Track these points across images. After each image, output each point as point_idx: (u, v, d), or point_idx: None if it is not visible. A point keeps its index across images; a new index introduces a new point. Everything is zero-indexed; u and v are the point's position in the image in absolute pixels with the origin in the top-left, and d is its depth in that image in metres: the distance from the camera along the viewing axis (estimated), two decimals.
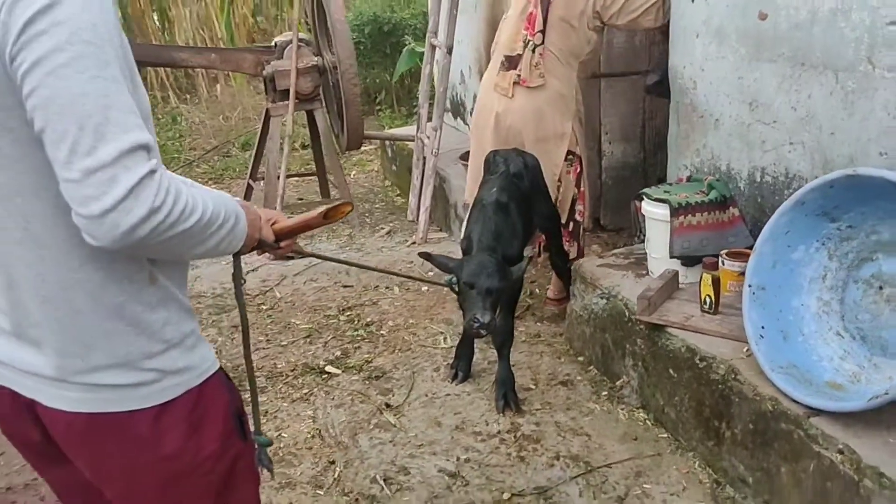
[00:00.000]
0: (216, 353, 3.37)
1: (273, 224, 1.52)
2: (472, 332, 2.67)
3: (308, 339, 3.57)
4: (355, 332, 3.60)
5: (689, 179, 3.06)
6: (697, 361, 2.49)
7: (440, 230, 4.81)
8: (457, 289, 2.73)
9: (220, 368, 1.38)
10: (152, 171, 1.06)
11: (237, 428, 1.39)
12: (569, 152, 3.45)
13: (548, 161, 3.36)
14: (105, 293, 1.20)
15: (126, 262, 1.19)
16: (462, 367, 3.12)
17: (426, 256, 2.85)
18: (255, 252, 1.53)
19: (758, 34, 2.62)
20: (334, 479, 2.58)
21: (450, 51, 4.46)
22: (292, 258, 3.68)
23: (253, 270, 4.24)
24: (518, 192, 3.08)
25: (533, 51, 3.32)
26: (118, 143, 1.04)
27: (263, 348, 3.52)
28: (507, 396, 2.90)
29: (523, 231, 3.10)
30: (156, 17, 8.83)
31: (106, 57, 1.05)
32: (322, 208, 1.61)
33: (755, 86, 2.67)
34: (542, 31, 3.30)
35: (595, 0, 3.21)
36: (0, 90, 1.06)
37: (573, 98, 3.42)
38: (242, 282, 1.52)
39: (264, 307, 3.94)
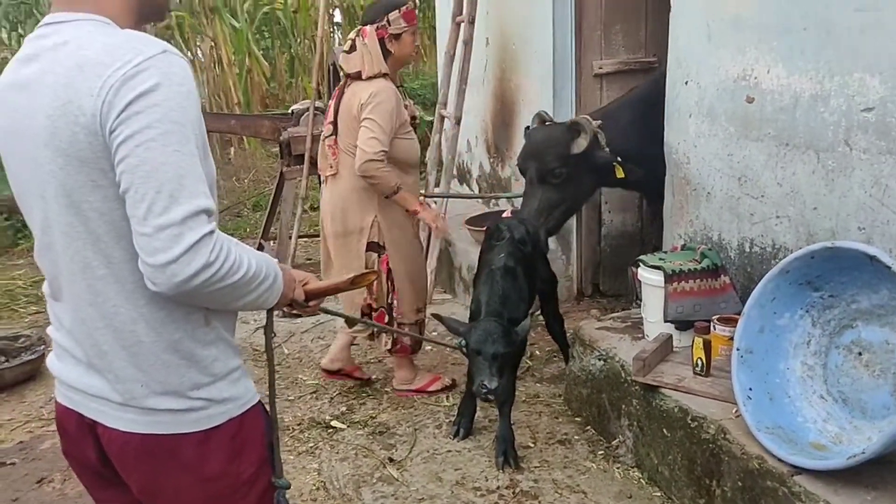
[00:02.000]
0: None
1: (305, 285, 1.69)
2: (480, 397, 2.80)
3: (314, 395, 3.68)
4: (361, 389, 3.71)
5: (683, 248, 3.21)
6: (689, 421, 2.60)
7: (444, 292, 4.96)
8: (466, 352, 2.87)
9: (259, 401, 1.53)
10: (211, 232, 1.25)
11: (270, 459, 1.55)
12: (376, 244, 3.34)
13: (347, 255, 3.30)
14: (165, 329, 1.37)
15: (184, 305, 1.36)
16: (464, 425, 3.23)
17: (438, 318, 3.00)
18: (285, 308, 1.69)
19: (745, 115, 2.82)
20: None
21: (458, 121, 4.69)
22: (299, 315, 3.85)
23: (262, 327, 4.36)
24: (523, 257, 3.24)
25: (323, 141, 3.40)
26: (187, 206, 1.23)
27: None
28: (507, 453, 3.00)
29: (529, 294, 3.25)
30: None
31: (187, 134, 1.26)
32: (351, 275, 1.81)
33: (744, 162, 2.86)
34: (333, 123, 3.33)
35: (362, 105, 3.16)
36: (98, 155, 1.25)
37: (373, 192, 3.25)
38: (273, 335, 1.67)
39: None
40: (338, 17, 11.15)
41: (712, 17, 2.92)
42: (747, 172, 2.85)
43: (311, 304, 1.72)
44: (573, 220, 4.44)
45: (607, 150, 3.36)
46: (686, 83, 3.11)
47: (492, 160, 5.30)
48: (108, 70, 1.22)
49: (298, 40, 9.69)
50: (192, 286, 1.25)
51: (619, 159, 3.37)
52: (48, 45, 1.31)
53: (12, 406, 3.83)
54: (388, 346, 3.53)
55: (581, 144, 3.31)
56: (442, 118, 5.04)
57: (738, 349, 2.50)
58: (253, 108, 8.77)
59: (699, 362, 2.77)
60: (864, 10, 2.30)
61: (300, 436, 3.31)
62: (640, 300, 3.19)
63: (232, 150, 8.77)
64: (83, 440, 1.48)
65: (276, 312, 1.65)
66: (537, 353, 4.02)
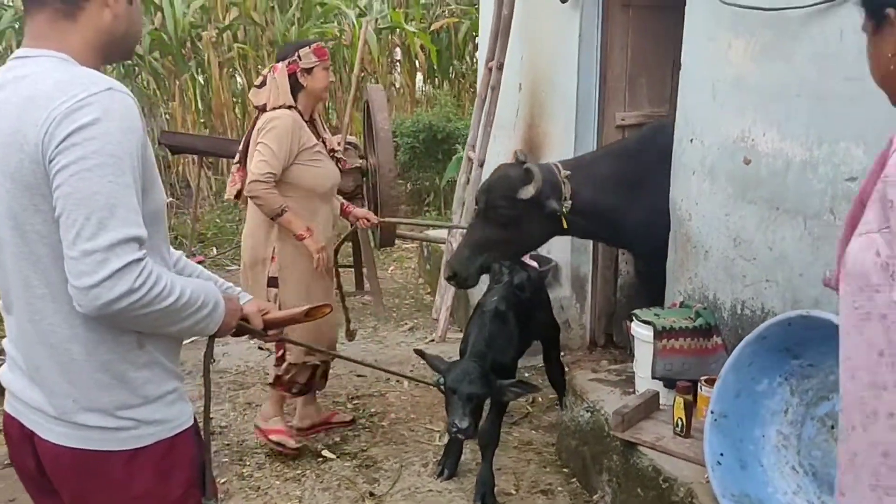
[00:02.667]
0: (227, 426, 3.60)
1: (265, 314, 1.77)
2: (450, 434, 2.84)
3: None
4: (357, 421, 3.75)
5: (681, 305, 3.19)
6: (661, 482, 2.57)
7: (460, 330, 4.98)
8: (442, 390, 2.89)
9: (195, 425, 1.60)
10: (138, 260, 1.32)
11: (199, 481, 1.59)
12: (275, 278, 3.25)
13: (256, 287, 3.22)
14: (97, 349, 1.43)
15: (116, 327, 1.42)
16: (449, 465, 3.24)
17: (420, 353, 3.04)
18: (247, 337, 1.82)
19: (743, 177, 2.81)
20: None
21: (481, 164, 4.76)
22: (262, 347, 3.83)
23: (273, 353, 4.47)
24: (518, 302, 3.26)
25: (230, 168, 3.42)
26: (115, 234, 1.30)
27: None
28: (485, 498, 2.99)
29: (519, 340, 3.26)
30: (236, 111, 9.53)
31: (123, 166, 1.33)
32: (305, 307, 1.88)
33: (739, 223, 2.84)
34: (243, 153, 3.35)
35: (258, 131, 3.18)
36: (40, 181, 1.34)
37: (272, 224, 3.20)
38: (213, 360, 1.75)
39: None
40: (398, 55, 11.45)
41: (717, 77, 2.93)
42: (742, 234, 2.83)
43: (269, 332, 1.81)
44: (589, 269, 4.44)
45: (569, 200, 3.34)
46: (691, 141, 3.11)
47: None
48: (53, 103, 1.32)
49: (363, 76, 9.96)
50: (115, 310, 1.31)
51: (563, 210, 3.33)
52: (10, 77, 1.42)
53: None
54: (271, 381, 3.45)
55: (528, 191, 3.25)
56: (469, 160, 5.12)
57: (711, 412, 2.47)
58: None
59: (679, 422, 2.73)
60: (853, 79, 2.28)
61: (290, 462, 3.37)
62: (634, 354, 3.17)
63: None
64: (24, 448, 1.55)
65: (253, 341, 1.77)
66: (539, 399, 4.00)
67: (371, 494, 3.11)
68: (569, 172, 3.41)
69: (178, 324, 1.44)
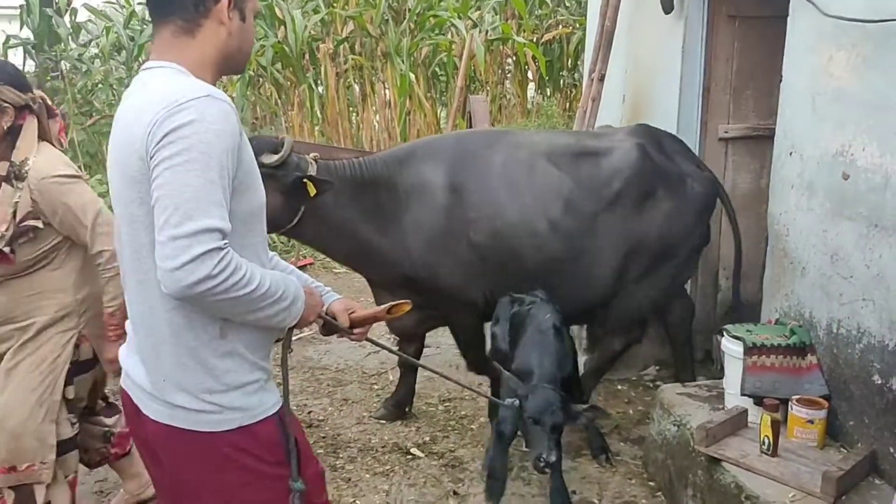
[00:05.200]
0: (323, 420, 3.79)
1: (351, 313, 1.88)
2: (538, 470, 2.67)
3: (404, 422, 3.87)
4: (448, 422, 3.87)
5: (776, 322, 3.12)
6: (743, 499, 2.53)
7: None
8: (521, 413, 2.70)
9: (279, 416, 1.69)
10: (219, 248, 1.43)
11: (286, 465, 1.68)
12: None
13: None
14: (184, 335, 1.57)
15: (202, 316, 1.56)
16: (495, 488, 2.99)
17: (497, 370, 3.00)
18: (336, 336, 1.93)
19: (841, 192, 2.72)
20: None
21: None
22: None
23: (374, 353, 4.66)
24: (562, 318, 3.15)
25: None
26: (199, 223, 1.42)
27: (364, 423, 3.88)
28: None
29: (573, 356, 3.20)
30: (351, 120, 9.92)
31: (211, 164, 1.47)
32: (388, 304, 1.96)
33: (837, 240, 2.75)
34: None
35: None
36: (143, 177, 1.50)
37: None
38: (290, 350, 1.86)
39: (376, 386, 4.32)
40: (510, 66, 11.55)
41: (818, 90, 2.86)
42: (839, 251, 2.74)
43: (355, 331, 1.91)
44: (689, 283, 4.37)
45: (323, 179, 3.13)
46: (790, 154, 3.04)
47: None
48: (159, 107, 1.48)
49: (475, 86, 10.13)
50: (195, 293, 1.42)
51: (310, 175, 3.10)
52: (138, 86, 1.62)
53: None
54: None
55: (271, 158, 3.02)
56: None
57: None
58: None
59: (766, 440, 2.67)
60: None
61: (381, 458, 3.52)
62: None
63: None
64: (135, 420, 1.73)
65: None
66: (631, 412, 3.98)
67: (455, 493, 3.21)
68: (317, 155, 3.26)
69: (256, 312, 1.54)
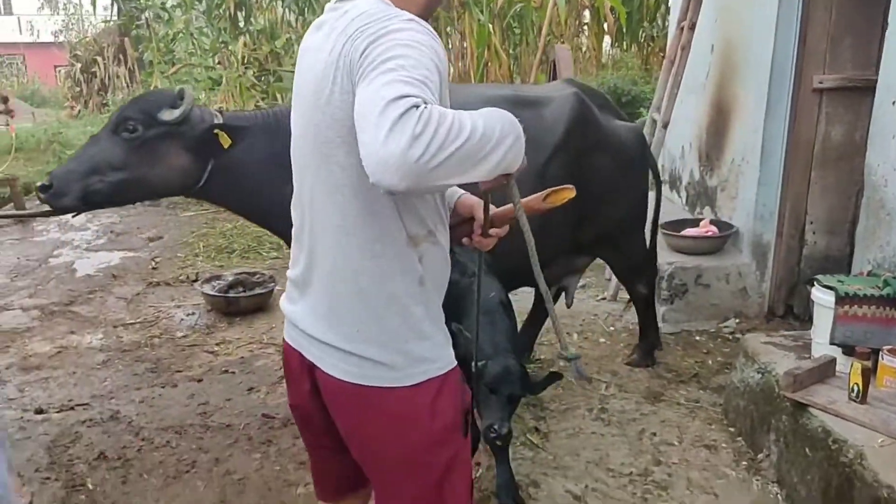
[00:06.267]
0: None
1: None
2: (486, 440, 2.46)
3: None
4: (527, 366, 3.96)
5: (869, 274, 3.09)
6: (830, 443, 2.56)
7: None
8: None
9: (457, 368, 1.61)
10: (415, 106, 1.17)
11: (463, 424, 1.62)
12: None
13: None
14: (386, 282, 1.48)
15: (402, 262, 1.48)
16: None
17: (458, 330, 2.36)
18: (462, 241, 1.62)
19: None
20: (476, 477, 2.95)
21: (665, 126, 4.73)
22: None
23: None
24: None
25: None
26: (386, 98, 1.19)
27: None
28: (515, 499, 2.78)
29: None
30: None
31: (421, 50, 1.29)
32: (543, 192, 1.55)
33: None
34: None
35: None
36: (347, 114, 1.32)
37: None
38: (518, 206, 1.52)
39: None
40: (587, 18, 11.36)
41: None
42: None
43: (492, 231, 1.60)
44: (773, 237, 4.33)
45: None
46: (893, 104, 2.98)
47: (701, 168, 5.25)
48: (363, 30, 1.34)
49: (549, 38, 10.03)
50: (411, 167, 1.15)
51: (221, 123, 2.84)
52: (331, 16, 1.48)
53: (242, 328, 4.58)
54: None
55: (172, 113, 2.79)
56: (654, 122, 5.10)
57: None
58: None
59: (855, 388, 2.68)
60: None
61: None
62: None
63: None
64: (301, 379, 1.64)
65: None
66: (710, 362, 4.01)
67: (536, 430, 3.31)
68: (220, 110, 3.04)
69: (483, 162, 1.26)
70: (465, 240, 1.62)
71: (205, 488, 2.95)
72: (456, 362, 1.60)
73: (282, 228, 3.24)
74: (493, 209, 1.58)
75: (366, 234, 1.44)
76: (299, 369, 1.64)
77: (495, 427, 2.37)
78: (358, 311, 1.50)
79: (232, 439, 3.31)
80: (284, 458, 3.13)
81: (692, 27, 4.58)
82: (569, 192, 1.53)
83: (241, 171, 2.95)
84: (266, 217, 3.15)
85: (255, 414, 3.53)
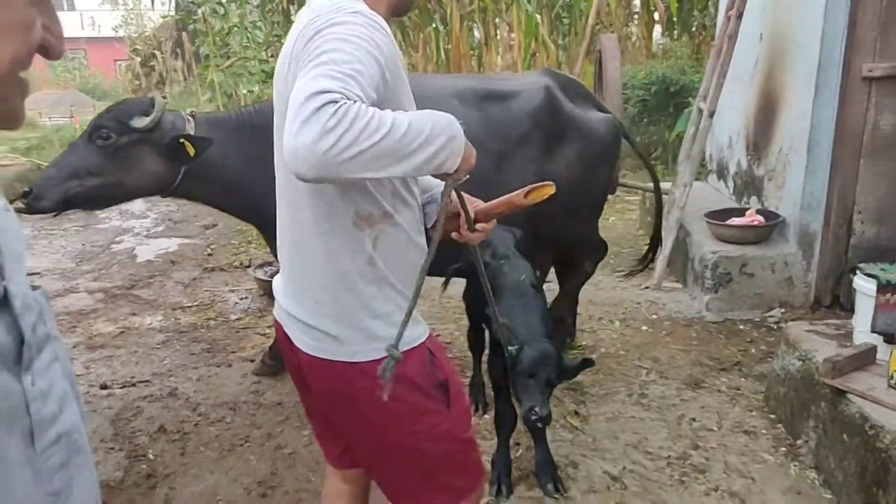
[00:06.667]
0: (450, 343, 3.99)
1: (474, 207, 1.64)
2: (528, 424, 2.53)
3: None
4: (568, 352, 4.02)
5: None
6: (867, 428, 2.57)
7: (676, 281, 5.05)
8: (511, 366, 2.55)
9: (428, 348, 1.64)
10: (332, 102, 1.21)
11: (436, 397, 1.64)
12: None
13: None
14: (334, 259, 1.53)
15: (351, 241, 1.52)
16: (504, 482, 2.85)
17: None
18: (451, 235, 1.64)
19: None
20: (515, 457, 3.04)
21: (711, 115, 4.73)
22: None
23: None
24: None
25: None
26: (307, 92, 1.24)
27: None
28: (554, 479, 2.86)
29: None
30: (473, 62, 10.02)
31: (358, 44, 1.34)
32: (524, 189, 1.59)
33: None
34: None
35: None
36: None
37: None
38: (449, 201, 1.53)
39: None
40: (636, 7, 11.26)
41: None
42: None
43: (478, 226, 1.64)
44: (819, 226, 4.31)
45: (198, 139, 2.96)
46: None
47: (749, 157, 5.22)
48: (312, 21, 1.41)
49: (598, 28, 10.00)
50: (320, 159, 1.21)
51: (186, 134, 2.96)
52: (305, 9, 1.55)
53: None
54: None
55: (143, 121, 2.91)
56: (700, 111, 5.09)
57: None
58: None
59: (895, 375, 2.69)
60: None
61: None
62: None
63: None
64: (288, 350, 1.70)
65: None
66: (752, 351, 4.02)
67: (576, 413, 3.38)
68: (193, 111, 3.18)
69: (410, 159, 1.30)
70: (454, 234, 1.65)
71: (257, 461, 3.10)
72: (422, 338, 1.63)
73: (259, 223, 3.46)
74: (479, 204, 1.63)
75: (314, 211, 1.50)
76: (284, 341, 1.70)
77: (536, 410, 2.44)
78: (313, 286, 1.56)
79: (283, 416, 3.46)
80: None
81: (739, 16, 4.56)
82: (549, 189, 1.58)
83: (213, 174, 3.10)
84: (245, 213, 3.33)
85: None
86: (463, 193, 1.59)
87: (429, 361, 1.64)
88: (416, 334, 1.62)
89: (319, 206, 1.50)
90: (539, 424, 2.49)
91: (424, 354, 1.64)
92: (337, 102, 1.22)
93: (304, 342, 1.60)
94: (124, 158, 2.97)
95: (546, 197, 1.58)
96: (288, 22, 10.68)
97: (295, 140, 1.22)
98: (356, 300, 1.54)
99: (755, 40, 4.99)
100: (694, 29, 10.61)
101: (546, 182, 1.60)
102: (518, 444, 3.10)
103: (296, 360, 1.67)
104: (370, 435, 1.66)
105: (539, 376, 2.49)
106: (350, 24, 1.36)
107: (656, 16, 10.53)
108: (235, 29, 10.92)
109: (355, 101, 1.24)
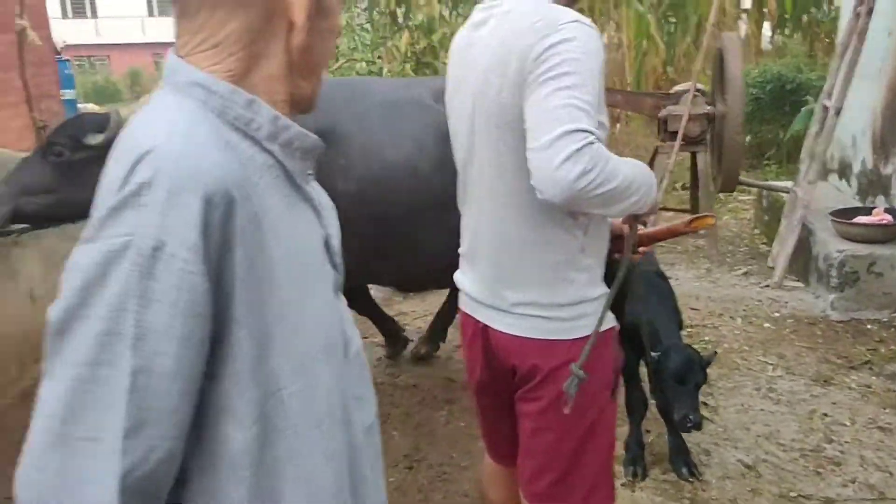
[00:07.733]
0: None
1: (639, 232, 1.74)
2: (683, 430, 2.73)
3: None
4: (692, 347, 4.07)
5: None
6: None
7: (797, 280, 5.01)
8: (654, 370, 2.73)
9: (617, 331, 1.74)
10: (590, 143, 1.41)
11: (613, 383, 1.73)
12: None
13: None
14: (547, 251, 1.63)
15: (564, 232, 1.61)
16: (640, 463, 3.00)
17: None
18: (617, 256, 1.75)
19: None
20: (647, 443, 3.14)
21: (837, 113, 4.67)
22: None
23: None
24: None
25: None
26: (567, 126, 1.41)
27: None
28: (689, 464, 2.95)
29: None
30: None
31: (583, 77, 1.47)
32: (688, 217, 1.77)
33: None
34: None
35: None
36: (515, 103, 1.51)
37: None
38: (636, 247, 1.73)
39: None
40: (746, 3, 11.03)
41: None
42: None
43: (640, 249, 1.75)
44: None
45: None
46: None
47: (875, 156, 5.12)
48: (534, 34, 1.50)
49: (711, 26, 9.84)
50: (576, 190, 1.40)
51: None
52: (493, 13, 1.64)
53: (416, 302, 4.95)
54: None
55: (97, 138, 2.81)
56: (825, 108, 5.03)
57: None
58: (644, 89, 9.25)
59: None
60: None
61: None
62: None
63: (618, 126, 9.39)
64: (475, 343, 1.78)
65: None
66: (882, 350, 3.98)
67: (705, 404, 3.45)
68: None
69: (620, 203, 1.51)
70: (616, 255, 1.76)
71: (400, 437, 3.32)
72: (613, 325, 1.71)
73: None
74: (642, 229, 1.75)
75: (530, 209, 1.57)
76: (473, 333, 1.79)
77: (690, 417, 2.62)
78: (525, 277, 1.65)
79: (419, 397, 3.67)
80: (468, 415, 3.44)
81: (869, 12, 4.50)
82: (711, 220, 1.74)
83: None
84: None
85: (436, 376, 3.88)
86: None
87: (617, 347, 1.74)
88: (608, 318, 1.70)
89: (534, 202, 1.54)
90: (694, 430, 2.67)
91: (615, 339, 1.74)
92: (593, 145, 1.41)
93: (509, 324, 1.68)
94: (77, 175, 2.86)
95: (707, 226, 1.74)
96: (395, 23, 10.98)
97: (556, 172, 1.41)
98: (570, 288, 1.63)
99: (883, 36, 4.89)
100: (807, 25, 10.32)
101: (708, 213, 1.76)
102: (648, 431, 3.20)
103: (482, 353, 1.76)
104: (559, 416, 1.66)
105: (688, 383, 2.65)
106: (579, 39, 1.47)
107: (767, 12, 10.29)
108: (343, 31, 11.28)
109: (599, 142, 1.43)
